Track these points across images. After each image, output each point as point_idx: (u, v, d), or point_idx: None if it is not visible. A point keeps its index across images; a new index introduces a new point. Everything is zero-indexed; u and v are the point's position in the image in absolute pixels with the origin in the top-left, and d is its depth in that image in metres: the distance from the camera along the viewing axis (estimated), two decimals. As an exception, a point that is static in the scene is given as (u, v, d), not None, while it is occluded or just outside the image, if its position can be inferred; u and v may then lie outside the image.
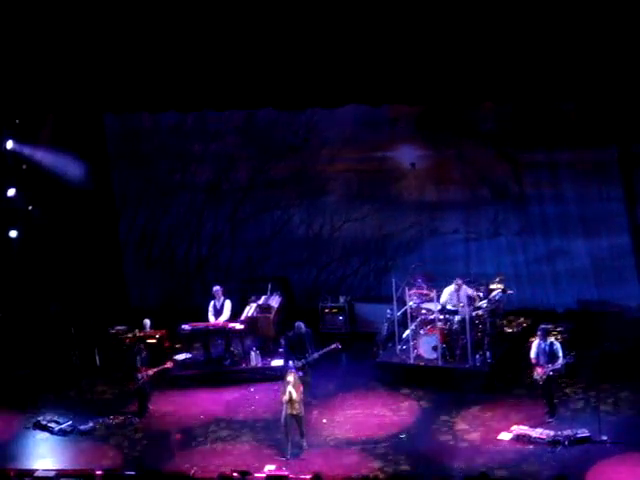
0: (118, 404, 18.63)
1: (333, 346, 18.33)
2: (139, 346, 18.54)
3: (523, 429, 16.49)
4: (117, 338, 20.21)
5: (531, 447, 16.13)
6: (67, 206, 21.34)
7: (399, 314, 19.30)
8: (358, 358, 19.89)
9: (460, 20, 15.91)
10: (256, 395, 18.73)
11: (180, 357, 19.92)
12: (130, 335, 19.81)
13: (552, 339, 17.05)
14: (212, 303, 19.91)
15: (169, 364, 18.67)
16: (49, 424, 17.94)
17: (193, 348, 20.15)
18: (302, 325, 18.36)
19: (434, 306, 18.97)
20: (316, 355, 18.05)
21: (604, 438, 15.99)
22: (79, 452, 17.14)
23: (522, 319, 19.71)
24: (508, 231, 21.10)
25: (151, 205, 22.70)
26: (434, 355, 18.79)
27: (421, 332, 19.01)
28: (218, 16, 16.57)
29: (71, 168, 20.79)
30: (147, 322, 20.06)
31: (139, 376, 17.99)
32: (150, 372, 18.14)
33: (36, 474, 15.16)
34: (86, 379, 19.27)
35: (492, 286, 19.56)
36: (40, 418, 18.16)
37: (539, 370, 16.81)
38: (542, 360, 16.82)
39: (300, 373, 17.19)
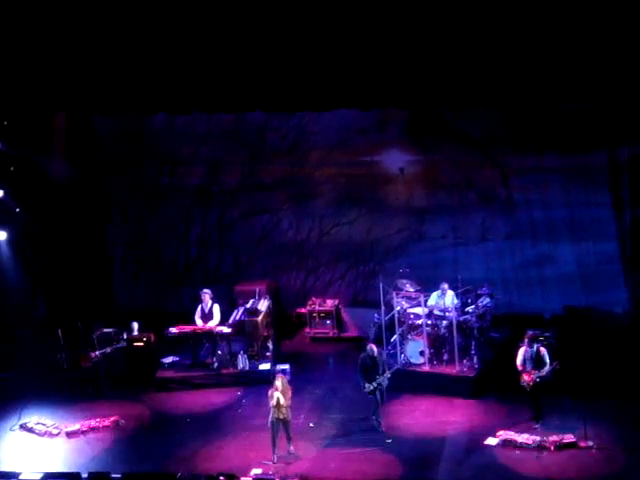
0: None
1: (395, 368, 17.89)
2: (96, 328, 18.47)
3: (510, 434, 16.51)
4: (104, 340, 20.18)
5: (517, 452, 16.16)
6: (55, 208, 21.31)
7: (387, 318, 19.33)
8: (345, 362, 19.86)
9: (450, 25, 15.92)
10: (243, 399, 18.72)
11: (167, 360, 19.92)
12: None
13: (538, 345, 17.07)
14: (199, 306, 19.89)
15: (123, 344, 18.61)
16: (35, 426, 17.90)
17: (180, 351, 20.11)
18: (374, 348, 17.28)
19: (421, 311, 19.00)
20: (386, 378, 17.15)
21: (590, 444, 16.06)
22: (65, 454, 17.10)
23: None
24: (496, 236, 21.19)
25: (140, 207, 22.72)
26: (421, 360, 18.82)
27: (408, 337, 19.04)
28: (208, 19, 16.54)
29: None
30: (134, 325, 20.07)
31: (92, 355, 17.91)
32: (107, 350, 18.11)
33: (21, 477, 15.12)
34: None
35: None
36: (26, 420, 18.11)
37: (525, 377, 16.83)
38: (529, 366, 16.83)
39: (286, 377, 17.11)
